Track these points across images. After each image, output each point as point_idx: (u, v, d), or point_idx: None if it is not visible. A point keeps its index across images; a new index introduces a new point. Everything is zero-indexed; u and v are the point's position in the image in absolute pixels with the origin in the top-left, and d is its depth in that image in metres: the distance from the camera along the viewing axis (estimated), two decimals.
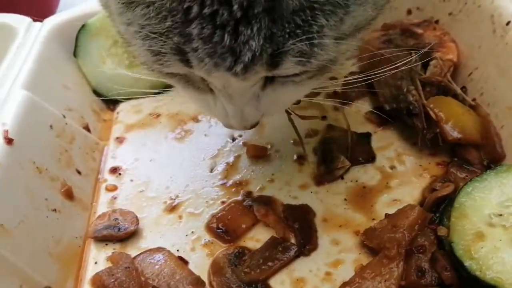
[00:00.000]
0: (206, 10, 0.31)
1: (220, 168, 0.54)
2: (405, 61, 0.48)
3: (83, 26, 0.62)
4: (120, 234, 0.48)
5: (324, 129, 0.56)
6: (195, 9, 0.32)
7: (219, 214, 0.49)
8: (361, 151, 0.53)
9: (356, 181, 0.51)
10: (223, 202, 0.51)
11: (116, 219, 0.49)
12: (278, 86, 0.39)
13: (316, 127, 0.56)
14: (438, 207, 0.46)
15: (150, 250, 0.47)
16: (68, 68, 0.62)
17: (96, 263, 0.47)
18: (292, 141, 0.55)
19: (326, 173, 0.52)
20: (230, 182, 0.53)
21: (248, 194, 0.51)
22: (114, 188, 0.53)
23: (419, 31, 0.60)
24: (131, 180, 0.54)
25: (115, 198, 0.52)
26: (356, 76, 0.47)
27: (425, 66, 0.56)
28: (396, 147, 0.54)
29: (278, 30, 0.32)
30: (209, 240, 0.48)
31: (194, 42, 0.33)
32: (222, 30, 0.32)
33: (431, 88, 0.54)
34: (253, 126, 0.43)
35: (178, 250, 0.47)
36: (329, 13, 0.34)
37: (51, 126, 0.52)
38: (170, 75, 0.40)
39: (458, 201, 0.43)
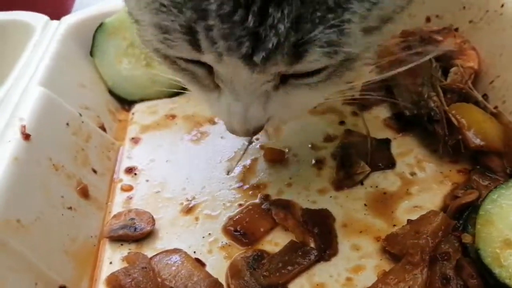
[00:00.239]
0: None
1: (236, 170, 0.54)
2: (424, 66, 0.47)
3: (100, 25, 0.62)
4: (136, 234, 0.47)
5: (342, 134, 0.55)
6: None
7: (237, 217, 0.48)
8: (381, 157, 0.53)
9: (376, 186, 0.50)
10: (240, 205, 0.50)
11: (132, 219, 0.48)
12: (291, 88, 0.36)
13: (335, 132, 0.56)
14: (461, 214, 0.45)
15: (166, 251, 0.46)
16: (84, 67, 0.61)
17: (111, 263, 0.46)
18: (310, 145, 0.55)
19: (346, 178, 0.51)
20: (247, 185, 0.52)
21: (266, 197, 0.50)
22: (129, 188, 0.53)
23: (439, 38, 0.60)
24: (147, 181, 0.53)
25: (131, 198, 0.52)
26: (374, 80, 0.46)
27: (445, 73, 0.56)
28: (416, 154, 0.53)
29: (308, 12, 0.29)
30: (226, 243, 0.47)
31: (210, 20, 0.28)
32: (246, 9, 0.28)
33: (452, 95, 0.54)
34: (255, 131, 0.40)
35: (194, 252, 0.46)
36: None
37: (67, 124, 0.52)
38: (177, 68, 0.36)
39: (484, 208, 0.42)
